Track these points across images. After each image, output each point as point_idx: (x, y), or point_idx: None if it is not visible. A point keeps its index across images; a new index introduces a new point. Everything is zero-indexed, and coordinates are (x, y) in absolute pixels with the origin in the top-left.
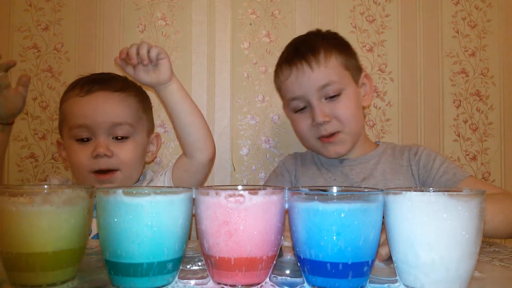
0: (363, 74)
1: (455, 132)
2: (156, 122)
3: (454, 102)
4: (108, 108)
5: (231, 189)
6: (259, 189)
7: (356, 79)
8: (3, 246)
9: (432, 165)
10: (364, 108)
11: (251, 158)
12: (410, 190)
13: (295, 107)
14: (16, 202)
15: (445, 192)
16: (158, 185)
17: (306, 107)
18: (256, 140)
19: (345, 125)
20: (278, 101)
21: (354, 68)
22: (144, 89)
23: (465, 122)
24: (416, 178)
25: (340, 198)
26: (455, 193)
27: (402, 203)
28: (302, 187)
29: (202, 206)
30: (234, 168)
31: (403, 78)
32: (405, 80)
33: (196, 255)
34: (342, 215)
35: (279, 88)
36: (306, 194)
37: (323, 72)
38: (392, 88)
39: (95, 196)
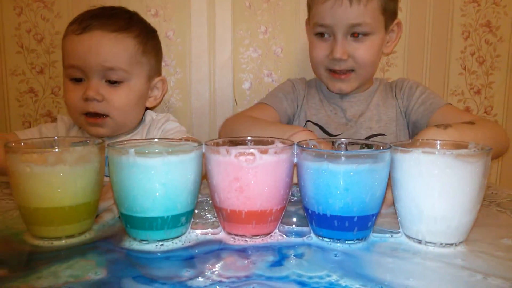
0: (395, 22)
1: (461, 65)
2: None
3: (462, 34)
4: (100, 51)
5: (241, 147)
6: (269, 143)
7: (387, 25)
8: (21, 202)
9: (412, 96)
10: (384, 54)
11: (253, 92)
12: (417, 147)
13: (319, 31)
14: (30, 161)
15: (453, 151)
16: (153, 135)
17: (329, 36)
18: (259, 74)
19: (360, 67)
20: (281, 33)
21: (390, 14)
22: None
23: (472, 54)
24: (401, 109)
25: (349, 157)
26: (462, 151)
27: (409, 161)
28: (307, 121)
29: (212, 163)
30: (236, 103)
31: (411, 6)
32: (413, 11)
33: (207, 207)
34: (351, 174)
35: (310, 6)
36: (315, 152)
37: (360, 10)
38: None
39: (107, 153)
